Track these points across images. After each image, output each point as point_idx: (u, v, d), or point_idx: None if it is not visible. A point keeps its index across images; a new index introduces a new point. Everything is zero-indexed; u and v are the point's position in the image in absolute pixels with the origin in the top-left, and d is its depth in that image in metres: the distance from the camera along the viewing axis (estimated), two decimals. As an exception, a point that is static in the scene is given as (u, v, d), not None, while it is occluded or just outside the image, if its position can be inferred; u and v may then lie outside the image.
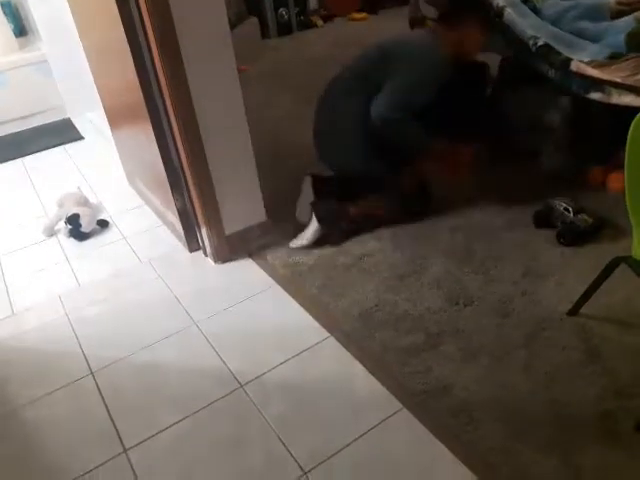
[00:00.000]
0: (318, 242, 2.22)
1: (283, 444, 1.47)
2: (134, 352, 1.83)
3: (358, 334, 1.79)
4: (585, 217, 2.03)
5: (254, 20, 4.98)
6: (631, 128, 1.36)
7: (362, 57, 2.25)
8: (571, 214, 2.04)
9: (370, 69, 2.18)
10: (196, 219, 2.16)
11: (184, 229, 2.24)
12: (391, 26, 4.53)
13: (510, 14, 2.26)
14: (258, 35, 5.07)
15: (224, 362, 1.75)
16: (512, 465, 1.35)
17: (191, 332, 1.89)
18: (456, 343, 1.72)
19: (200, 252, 2.29)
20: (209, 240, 2.16)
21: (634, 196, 1.38)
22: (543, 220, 2.13)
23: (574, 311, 1.73)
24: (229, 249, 2.20)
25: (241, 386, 1.66)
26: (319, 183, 2.31)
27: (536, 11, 2.36)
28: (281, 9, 5.09)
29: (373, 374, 1.64)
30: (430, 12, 2.93)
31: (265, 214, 2.27)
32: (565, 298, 1.79)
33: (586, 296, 1.67)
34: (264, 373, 1.69)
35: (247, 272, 2.16)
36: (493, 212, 2.28)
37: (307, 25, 5.30)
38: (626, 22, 2.16)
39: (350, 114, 2.18)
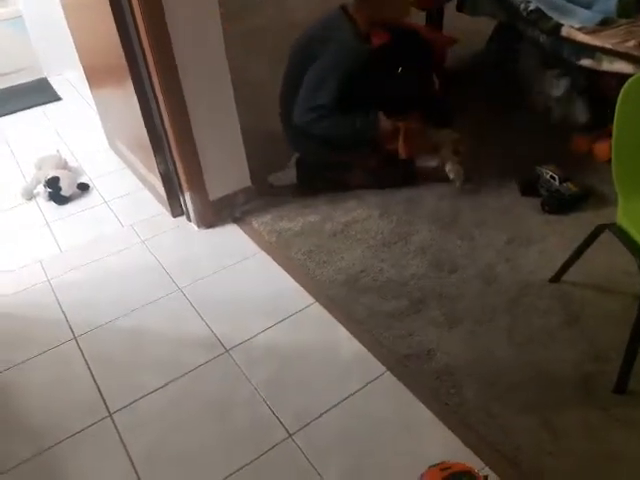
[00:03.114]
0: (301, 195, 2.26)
1: (268, 407, 1.49)
2: (117, 317, 1.82)
3: (343, 300, 1.79)
4: (570, 185, 2.04)
5: (238, -21, 4.80)
6: (620, 96, 1.35)
7: (291, 53, 2.19)
8: (557, 182, 2.05)
9: (293, 69, 2.15)
10: (179, 183, 2.12)
11: (167, 193, 2.20)
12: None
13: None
14: (242, -6, 4.90)
15: (209, 327, 1.75)
16: (493, 426, 1.38)
17: (175, 297, 1.88)
18: (440, 308, 1.73)
19: (184, 217, 2.25)
20: (193, 205, 2.13)
21: (620, 164, 1.38)
22: (529, 188, 2.14)
23: (556, 278, 1.76)
24: (213, 214, 2.17)
25: (226, 351, 1.66)
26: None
27: (528, -26, 2.31)
28: (265, -33, 4.91)
29: (357, 338, 1.66)
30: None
31: (250, 179, 2.23)
32: (548, 265, 1.82)
33: (568, 263, 1.69)
34: (250, 338, 1.70)
35: (232, 238, 2.14)
36: (480, 179, 2.28)
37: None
38: (617, -13, 2.12)
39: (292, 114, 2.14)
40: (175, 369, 1.62)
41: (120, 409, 1.52)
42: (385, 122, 2.09)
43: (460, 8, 2.71)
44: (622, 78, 1.41)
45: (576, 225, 1.96)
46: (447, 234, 2.04)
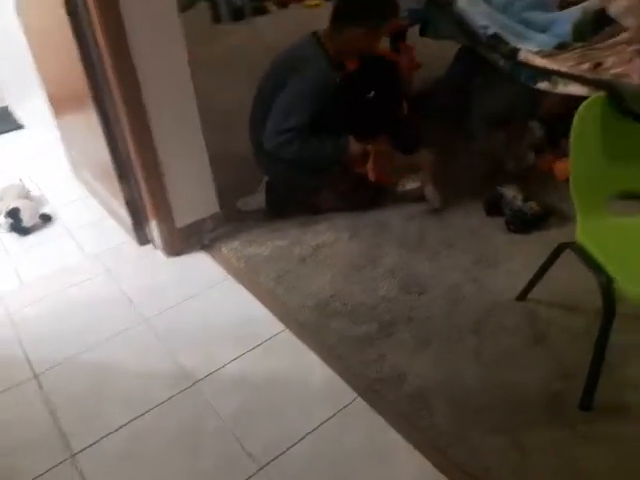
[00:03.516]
0: (273, 228, 2.25)
1: (238, 440, 1.45)
2: (81, 352, 1.76)
3: (313, 325, 1.78)
4: (533, 205, 2.09)
5: (205, 5, 4.85)
6: (576, 117, 1.39)
7: (262, 78, 2.22)
8: (519, 202, 2.09)
9: (263, 94, 2.17)
10: (145, 211, 2.09)
11: (133, 221, 2.16)
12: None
13: (461, 3, 2.27)
14: (210, 20, 4.94)
15: (176, 359, 1.71)
16: (463, 448, 1.37)
17: (141, 329, 1.84)
18: (410, 331, 1.73)
19: (150, 245, 2.22)
20: (159, 233, 2.10)
21: (577, 183, 1.41)
22: (493, 208, 2.17)
23: (522, 296, 1.78)
24: (180, 242, 2.14)
25: (194, 383, 1.62)
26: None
27: (487, 0, 2.38)
28: (233, -6, 4.98)
29: (328, 365, 1.64)
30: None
31: (218, 205, 2.21)
32: (514, 284, 1.84)
33: (533, 282, 1.72)
34: (218, 369, 1.66)
35: (200, 265, 2.11)
36: (445, 200, 2.31)
37: (261, 11, 5.20)
38: (572, 13, 2.21)
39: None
40: (141, 404, 1.57)
41: (84, 449, 1.46)
42: (355, 145, 2.11)
43: (423, 32, 2.77)
44: (576, 100, 1.46)
45: (540, 243, 2.00)
46: (415, 256, 2.05)
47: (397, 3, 2.14)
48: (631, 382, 1.51)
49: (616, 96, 1.38)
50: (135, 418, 1.53)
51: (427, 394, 1.52)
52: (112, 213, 2.40)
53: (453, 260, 2.01)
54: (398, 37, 3.16)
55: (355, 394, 1.55)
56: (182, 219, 2.11)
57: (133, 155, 1.93)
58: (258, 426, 1.49)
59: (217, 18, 4.98)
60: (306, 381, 1.61)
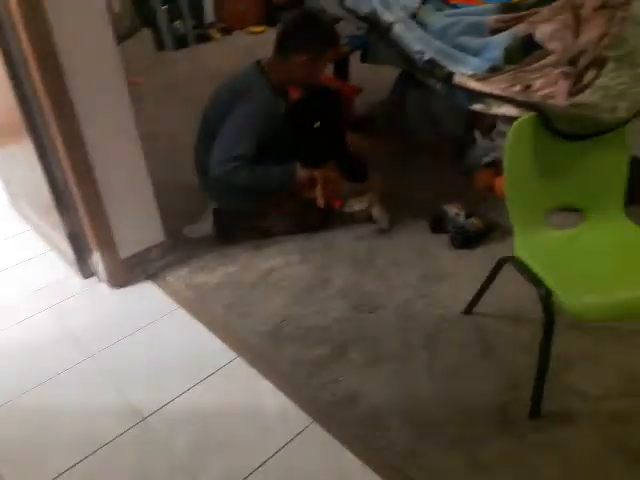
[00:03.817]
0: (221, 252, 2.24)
1: (193, 477, 1.40)
2: (20, 395, 1.66)
3: (266, 352, 1.76)
4: (475, 221, 2.16)
5: (148, 32, 4.82)
6: (508, 137, 1.46)
7: (206, 106, 2.22)
8: (462, 218, 2.15)
9: (207, 122, 2.18)
10: (87, 243, 2.03)
11: (75, 254, 2.09)
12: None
13: (398, 29, 2.35)
14: (153, 48, 4.91)
15: (124, 395, 1.65)
16: (419, 466, 1.38)
17: (87, 366, 1.76)
18: (362, 350, 1.74)
19: (94, 278, 2.14)
20: (103, 265, 2.04)
21: (513, 199, 1.47)
22: (438, 225, 2.23)
23: (469, 310, 1.82)
24: (126, 273, 2.08)
25: (144, 419, 1.57)
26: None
27: (423, 26, 2.48)
28: (176, 22, 4.97)
29: (282, 391, 1.62)
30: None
31: (164, 234, 2.17)
32: (460, 298, 1.88)
33: (478, 296, 1.77)
34: (168, 403, 1.61)
35: (147, 296, 2.05)
36: (393, 220, 2.35)
37: (205, 38, 5.21)
38: (503, 38, 2.32)
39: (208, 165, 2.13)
40: (88, 445, 1.49)
41: (24, 498, 1.38)
42: (302, 172, 2.13)
43: (364, 59, 2.86)
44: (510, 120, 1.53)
45: (483, 258, 2.05)
46: (366, 275, 2.07)
47: (337, 32, 2.20)
48: (575, 388, 1.56)
49: (544, 116, 1.46)
50: (80, 461, 1.45)
51: (381, 413, 1.53)
52: (53, 246, 2.31)
53: (402, 277, 2.04)
54: (341, 64, 3.25)
55: (310, 419, 1.53)
56: (126, 249, 2.05)
57: (72, 186, 1.87)
58: (213, 459, 1.45)
59: (160, 46, 4.95)
60: (260, 409, 1.58)
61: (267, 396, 1.61)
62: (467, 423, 1.49)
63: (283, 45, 2.10)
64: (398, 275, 2.06)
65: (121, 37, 4.61)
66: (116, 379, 1.70)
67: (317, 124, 2.15)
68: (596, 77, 1.74)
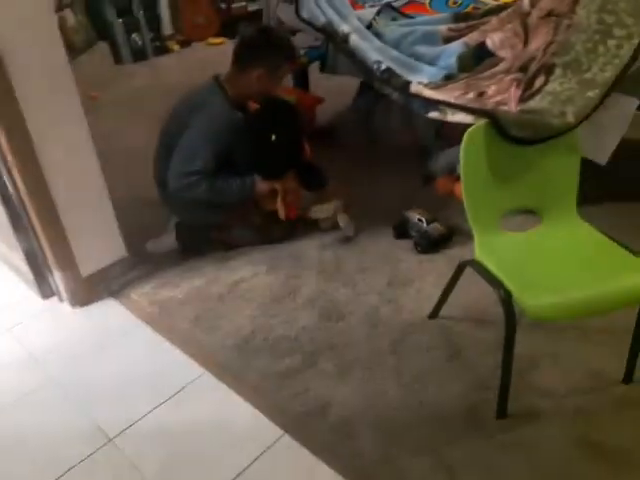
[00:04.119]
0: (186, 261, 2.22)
1: (161, 495, 1.38)
2: (-22, 422, 1.61)
3: (234, 365, 1.74)
4: (437, 226, 2.20)
5: (104, 46, 4.75)
6: (463, 144, 1.49)
7: (165, 121, 2.22)
8: (424, 224, 2.19)
9: (166, 136, 2.18)
10: (46, 262, 1.97)
11: (34, 274, 2.03)
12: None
13: (355, 40, 2.39)
14: (111, 61, 4.84)
15: (90, 417, 1.60)
16: (390, 473, 1.39)
17: (49, 389, 1.71)
18: (332, 359, 1.74)
19: (55, 298, 2.09)
20: (63, 284, 1.98)
21: (470, 204, 1.51)
22: (401, 231, 2.27)
23: (434, 314, 1.85)
24: (88, 291, 2.04)
25: (110, 440, 1.53)
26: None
27: (379, 36, 2.53)
28: (134, 34, 4.91)
29: (252, 404, 1.61)
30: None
31: (125, 249, 2.14)
32: (426, 302, 1.91)
33: (442, 299, 1.80)
34: (135, 422, 1.57)
35: (110, 314, 2.01)
36: (356, 227, 2.37)
37: (163, 50, 5.17)
38: (456, 46, 2.39)
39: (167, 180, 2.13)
40: (54, 469, 1.45)
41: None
42: (262, 184, 2.14)
43: (322, 69, 2.89)
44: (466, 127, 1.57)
45: (447, 261, 2.10)
46: (332, 283, 2.08)
47: (293, 45, 2.23)
48: (540, 387, 1.61)
49: (496, 123, 1.50)
50: (45, 488, 1.41)
51: (351, 421, 1.53)
52: (11, 267, 2.24)
53: (368, 284, 2.06)
54: (300, 74, 3.27)
55: (281, 431, 1.52)
56: (87, 267, 2.01)
57: (28, 204, 1.82)
58: (184, 477, 1.42)
59: (118, 59, 4.88)
60: (229, 424, 1.56)
61: (236, 410, 1.60)
62: (436, 426, 1.51)
63: (240, 59, 2.11)
64: (364, 282, 2.07)
65: (77, 51, 4.53)
66: (81, 400, 1.66)
67: (273, 137, 2.15)
68: (545, 83, 1.80)
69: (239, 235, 2.30)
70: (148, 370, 1.76)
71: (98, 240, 2.03)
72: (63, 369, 1.77)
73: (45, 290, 2.08)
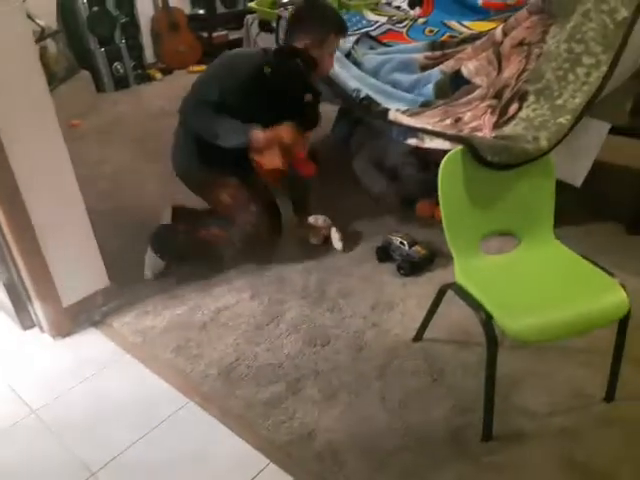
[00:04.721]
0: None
1: (144, 531, 1.35)
2: (-45, 460, 1.56)
3: (218, 394, 1.72)
4: (419, 249, 2.22)
5: (86, 74, 4.77)
6: (440, 169, 1.53)
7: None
8: (406, 247, 2.22)
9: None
10: (27, 292, 1.95)
11: (14, 305, 2.00)
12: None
13: (334, 68, 2.44)
14: (93, 89, 4.85)
15: (72, 450, 1.57)
16: (378, 500, 1.38)
17: (30, 423, 1.67)
18: (317, 385, 1.74)
19: (36, 329, 2.05)
20: (44, 314, 1.96)
21: (450, 227, 1.54)
22: (384, 254, 2.29)
23: (418, 337, 1.86)
24: (69, 322, 2.01)
25: (93, 474, 1.50)
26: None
27: (357, 64, 2.59)
28: (116, 63, 4.94)
29: (236, 434, 1.59)
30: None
31: (108, 278, 2.12)
32: (410, 325, 1.92)
33: (425, 322, 1.81)
34: (118, 455, 1.55)
35: (92, 345, 1.98)
36: (340, 252, 2.39)
37: (145, 78, 5.20)
38: (433, 74, 2.46)
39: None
40: (31, 509, 1.41)
41: None
42: (259, 132, 2.06)
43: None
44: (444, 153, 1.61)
45: (430, 284, 2.12)
46: (317, 308, 2.09)
47: (341, 18, 2.26)
48: (524, 408, 1.62)
49: (472, 149, 1.54)
50: (23, 527, 1.37)
51: (338, 448, 1.52)
52: (-10, 298, 2.20)
53: (353, 308, 2.07)
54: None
55: (267, 460, 1.51)
56: (69, 297, 1.99)
57: (7, 233, 1.81)
58: (166, 512, 1.40)
59: (100, 87, 4.90)
60: (214, 454, 1.54)
61: (221, 440, 1.58)
62: (422, 451, 1.51)
63: (288, 33, 2.19)
64: (349, 306, 2.08)
65: (58, 80, 4.54)
66: (61, 434, 1.62)
67: (307, 97, 2.16)
68: (519, 110, 1.86)
69: (216, 232, 2.25)
70: (131, 401, 1.74)
71: (80, 269, 2.01)
72: (43, 402, 1.74)
73: (25, 321, 2.04)
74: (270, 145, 2.07)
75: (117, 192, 3.01)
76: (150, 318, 2.07)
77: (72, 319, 2.02)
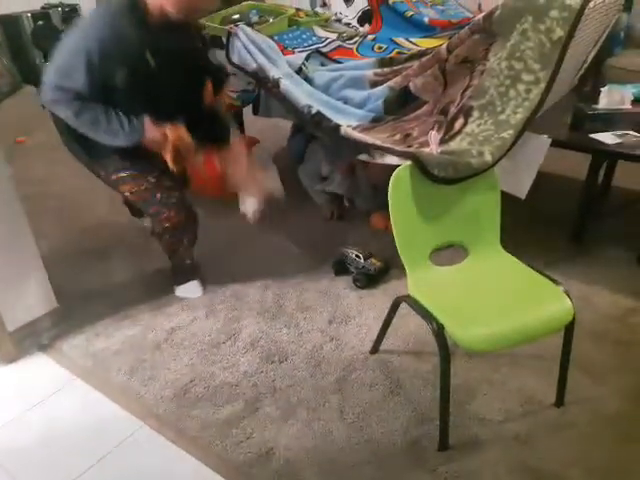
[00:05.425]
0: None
1: None
2: None
3: (173, 416, 1.69)
4: (374, 261, 2.25)
5: (31, 89, 4.63)
6: (390, 184, 1.56)
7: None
8: (362, 259, 2.24)
9: None
10: (-33, 319, 1.86)
11: (-47, 332, 1.90)
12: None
13: (285, 85, 2.45)
14: (39, 105, 4.71)
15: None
16: (338, 516, 1.37)
17: (-30, 456, 1.59)
18: (275, 402, 1.73)
19: (-22, 356, 1.96)
20: (-13, 341, 1.87)
21: (401, 242, 1.57)
22: (340, 268, 2.30)
23: (375, 349, 1.88)
24: (14, 346, 1.92)
25: (40, 508, 1.43)
26: None
27: (309, 80, 2.61)
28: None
29: (192, 455, 1.56)
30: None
31: (56, 300, 2.05)
32: (367, 338, 1.94)
33: (381, 334, 1.83)
34: (70, 484, 1.49)
35: (40, 370, 1.90)
36: (296, 266, 2.39)
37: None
38: (382, 90, 2.49)
39: None
40: None
41: None
42: (152, 128, 1.81)
43: (255, 112, 2.94)
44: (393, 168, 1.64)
45: (386, 295, 2.15)
46: (274, 324, 2.08)
47: None
48: (478, 416, 1.65)
49: (419, 164, 1.58)
50: None
51: (297, 465, 1.51)
52: None
53: (310, 323, 2.07)
54: (236, 117, 3.31)
55: (225, 481, 1.48)
56: (14, 321, 1.90)
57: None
58: (119, 543, 1.35)
59: (47, 101, 4.77)
60: (171, 477, 1.51)
61: (177, 463, 1.54)
62: (381, 463, 1.52)
63: None
64: (306, 320, 2.08)
65: (3, 94, 4.39)
66: (7, 467, 1.55)
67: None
68: (464, 125, 1.92)
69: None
70: (82, 427, 1.67)
71: (25, 291, 1.93)
72: (-13, 434, 1.66)
73: (-34, 348, 1.95)
74: (163, 141, 1.82)
75: (66, 211, 2.92)
76: (101, 340, 2.01)
77: (17, 344, 1.93)
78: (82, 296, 2.20)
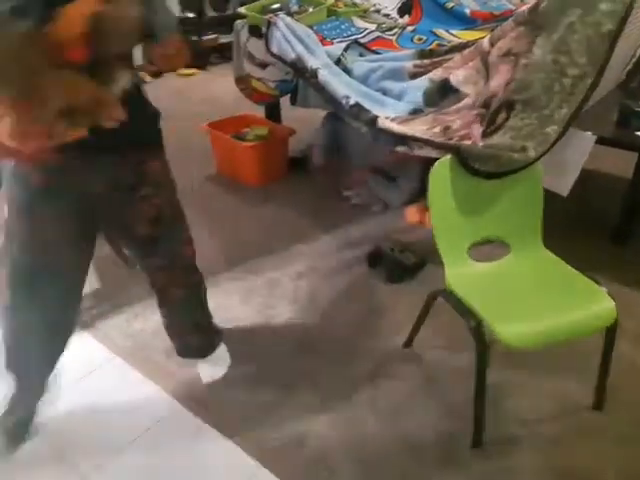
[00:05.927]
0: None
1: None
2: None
3: (209, 398, 1.73)
4: (409, 255, 2.25)
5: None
6: (429, 177, 1.55)
7: None
8: (397, 253, 2.24)
9: None
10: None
11: None
12: (220, 81, 4.66)
13: (324, 75, 2.46)
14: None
15: (67, 458, 1.55)
16: (369, 505, 1.39)
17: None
18: (308, 391, 1.75)
19: (23, 333, 2.03)
20: (32, 319, 1.94)
21: (439, 234, 1.56)
22: (374, 261, 2.30)
23: (408, 343, 1.88)
24: (58, 326, 1.99)
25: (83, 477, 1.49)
26: None
27: (347, 71, 2.60)
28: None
29: (230, 438, 1.59)
30: (254, 71, 3.05)
31: (98, 281, 2.11)
32: (400, 331, 1.94)
33: (416, 328, 1.83)
34: (111, 458, 1.54)
35: (82, 347, 1.95)
36: (330, 257, 2.40)
37: (133, 80, 5.18)
38: (422, 82, 2.47)
39: None
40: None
41: None
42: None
43: (293, 102, 2.95)
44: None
45: (420, 290, 2.10)
46: (307, 314, 2.09)
47: None
48: (515, 415, 1.64)
49: (461, 157, 1.57)
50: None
51: (328, 453, 1.53)
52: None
53: (343, 314, 2.08)
54: (272, 107, 3.34)
55: (258, 464, 1.51)
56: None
57: None
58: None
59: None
60: (205, 458, 1.55)
61: (212, 444, 1.58)
62: (412, 457, 1.52)
63: None
64: (339, 312, 2.10)
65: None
66: (55, 441, 1.61)
67: None
68: (507, 119, 1.88)
69: None
70: (121, 404, 1.73)
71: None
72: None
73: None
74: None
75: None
76: (140, 321, 2.06)
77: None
78: (122, 279, 2.26)
